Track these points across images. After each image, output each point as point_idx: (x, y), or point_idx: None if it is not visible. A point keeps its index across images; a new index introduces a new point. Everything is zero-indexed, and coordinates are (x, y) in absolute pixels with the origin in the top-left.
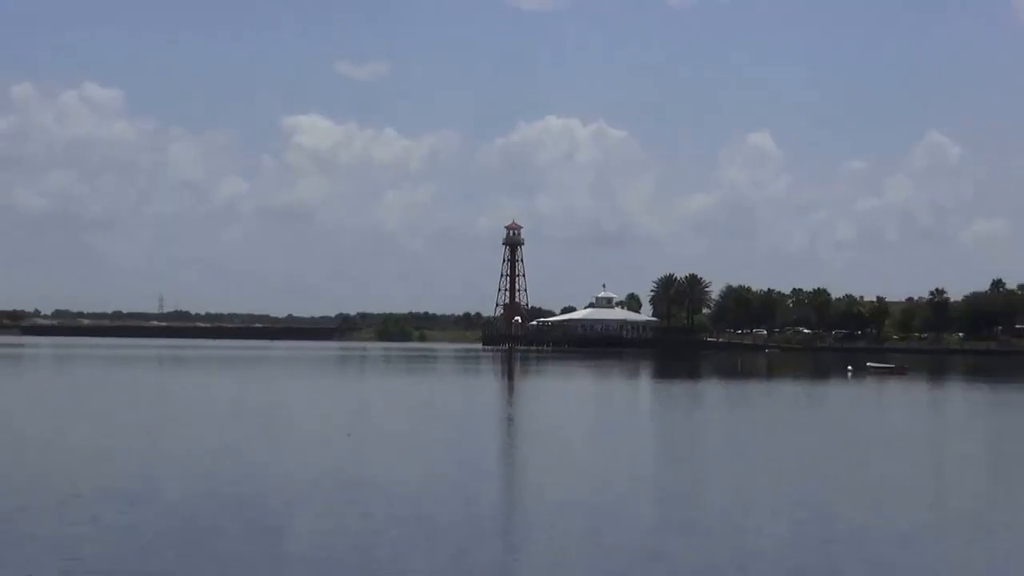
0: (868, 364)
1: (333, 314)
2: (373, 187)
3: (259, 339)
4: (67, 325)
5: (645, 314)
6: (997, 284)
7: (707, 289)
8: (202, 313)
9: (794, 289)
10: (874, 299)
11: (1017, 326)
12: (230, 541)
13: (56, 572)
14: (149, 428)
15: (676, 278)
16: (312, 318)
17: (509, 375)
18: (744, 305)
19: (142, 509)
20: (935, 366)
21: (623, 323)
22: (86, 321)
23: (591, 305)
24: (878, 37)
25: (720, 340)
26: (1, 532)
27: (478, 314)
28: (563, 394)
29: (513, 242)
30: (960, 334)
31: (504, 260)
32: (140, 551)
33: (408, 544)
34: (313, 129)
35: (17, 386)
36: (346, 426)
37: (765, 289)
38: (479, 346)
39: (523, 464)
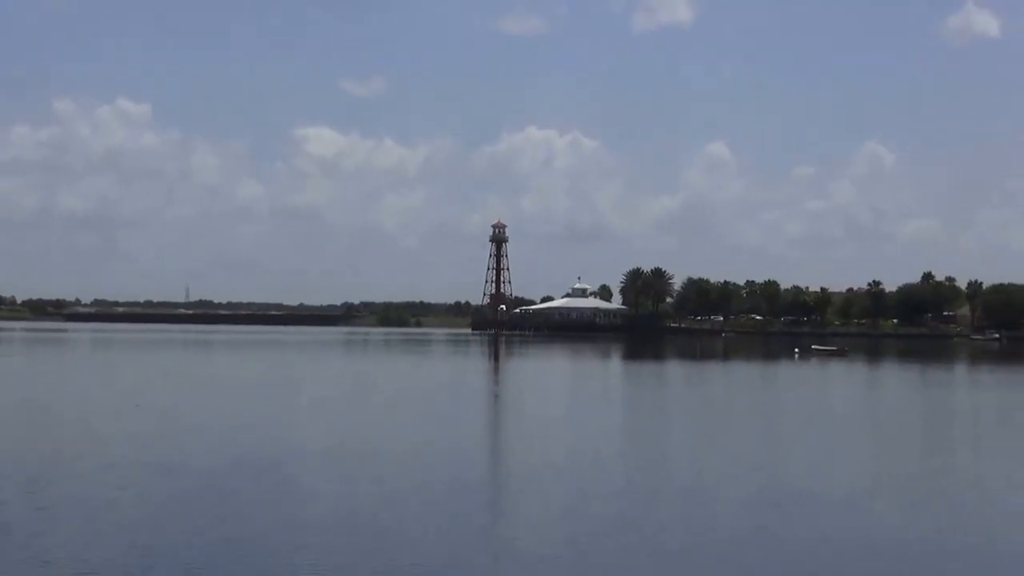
0: (813, 347)
1: (339, 303)
2: (373, 190)
3: (273, 325)
4: (104, 312)
5: (615, 303)
6: (927, 277)
7: (670, 281)
8: (223, 302)
9: (747, 281)
10: (818, 289)
11: (944, 313)
12: (251, 503)
13: (95, 532)
14: (181, 400)
15: (643, 271)
16: (320, 306)
17: (495, 357)
18: (703, 295)
19: (173, 475)
20: (872, 349)
21: (596, 311)
22: (120, 309)
23: (567, 295)
24: (821, 59)
25: (682, 326)
26: (46, 497)
27: (468, 303)
28: (543, 373)
29: (498, 239)
30: (894, 320)
31: (491, 255)
32: (170, 508)
33: (407, 503)
34: (320, 139)
35: (62, 364)
36: (349, 399)
37: (722, 281)
38: (468, 331)
39: (507, 434)
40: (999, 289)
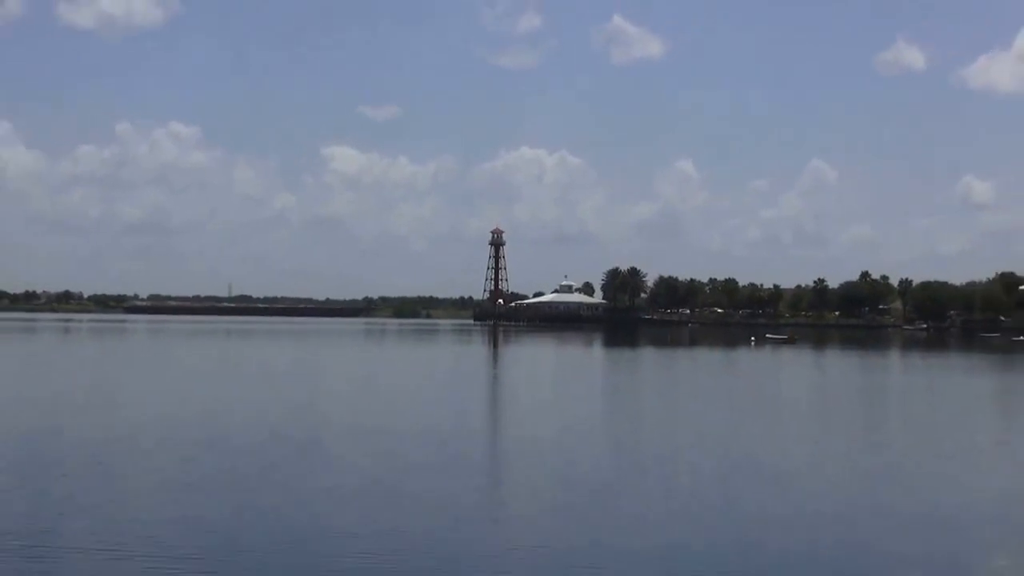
0: (767, 335)
1: (360, 297)
2: (389, 201)
3: (303, 316)
4: (158, 306)
5: (597, 298)
6: (864, 275)
7: (644, 279)
8: (260, 297)
9: (711, 279)
10: (771, 286)
11: (879, 307)
12: (287, 474)
13: (157, 499)
14: (228, 382)
15: (620, 270)
16: (343, 300)
17: (494, 344)
18: (673, 291)
19: (220, 448)
20: (817, 337)
21: (580, 305)
22: (172, 303)
23: (556, 291)
24: (773, 87)
25: (654, 318)
26: (112, 469)
27: (470, 297)
28: (535, 358)
29: (496, 242)
30: (836, 313)
31: (490, 256)
32: (215, 481)
33: (414, 472)
34: (344, 157)
35: (125, 350)
36: (374, 380)
37: (689, 279)
38: (471, 322)
39: (504, 411)
40: (926, 286)
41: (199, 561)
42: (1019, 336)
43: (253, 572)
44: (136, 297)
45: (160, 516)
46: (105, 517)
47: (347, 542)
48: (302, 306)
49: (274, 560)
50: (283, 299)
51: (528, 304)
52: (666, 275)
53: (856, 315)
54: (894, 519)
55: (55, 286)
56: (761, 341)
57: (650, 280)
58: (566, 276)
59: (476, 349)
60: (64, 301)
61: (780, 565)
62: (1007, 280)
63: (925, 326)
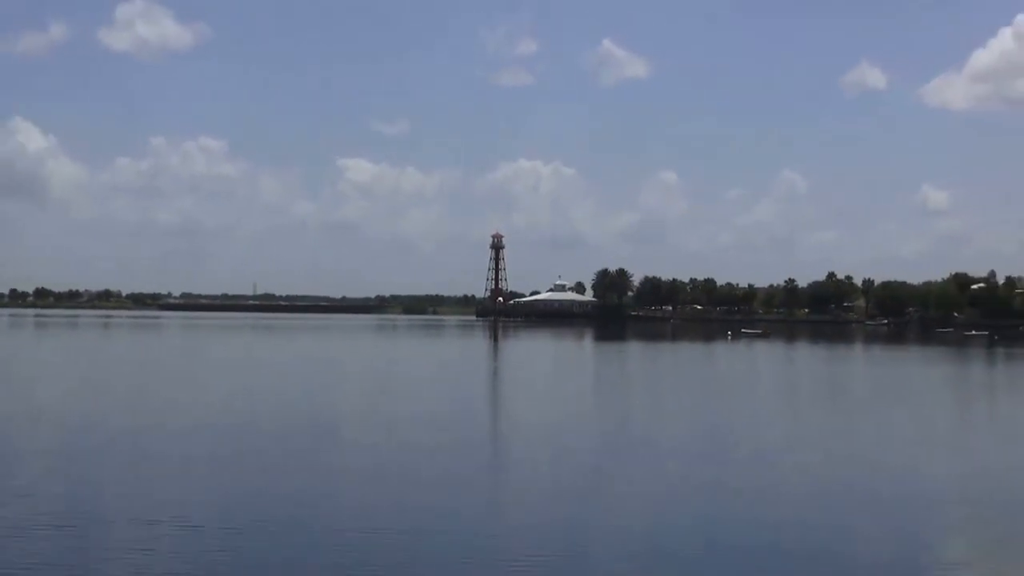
0: (742, 330)
1: (372, 296)
2: (399, 208)
3: (321, 313)
4: (190, 303)
5: (588, 296)
6: (831, 275)
7: (631, 279)
8: (282, 295)
9: (691, 279)
10: (746, 286)
11: (844, 304)
12: (305, 454)
13: (190, 473)
14: (251, 370)
15: (609, 271)
16: (358, 298)
17: (495, 338)
18: (656, 290)
19: (246, 432)
20: (788, 332)
21: (573, 302)
22: (203, 300)
23: (551, 290)
24: (748, 105)
25: (640, 314)
26: (147, 447)
27: (473, 295)
28: (532, 351)
29: (497, 246)
30: (806, 310)
31: (491, 258)
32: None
33: (423, 453)
34: (358, 168)
35: (161, 344)
36: (388, 371)
37: (671, 279)
38: (474, 318)
39: (503, 398)
40: (887, 286)
41: (230, 528)
42: (971, 331)
43: (276, 536)
44: (169, 295)
45: (193, 488)
46: (144, 488)
47: (364, 513)
48: (320, 304)
49: (295, 528)
50: (303, 297)
51: (525, 302)
52: (650, 275)
53: (823, 312)
54: (858, 496)
55: (96, 285)
56: (737, 335)
57: (636, 280)
58: (560, 276)
59: (478, 343)
60: (104, 299)
61: (752, 534)
62: (960, 280)
63: (886, 322)
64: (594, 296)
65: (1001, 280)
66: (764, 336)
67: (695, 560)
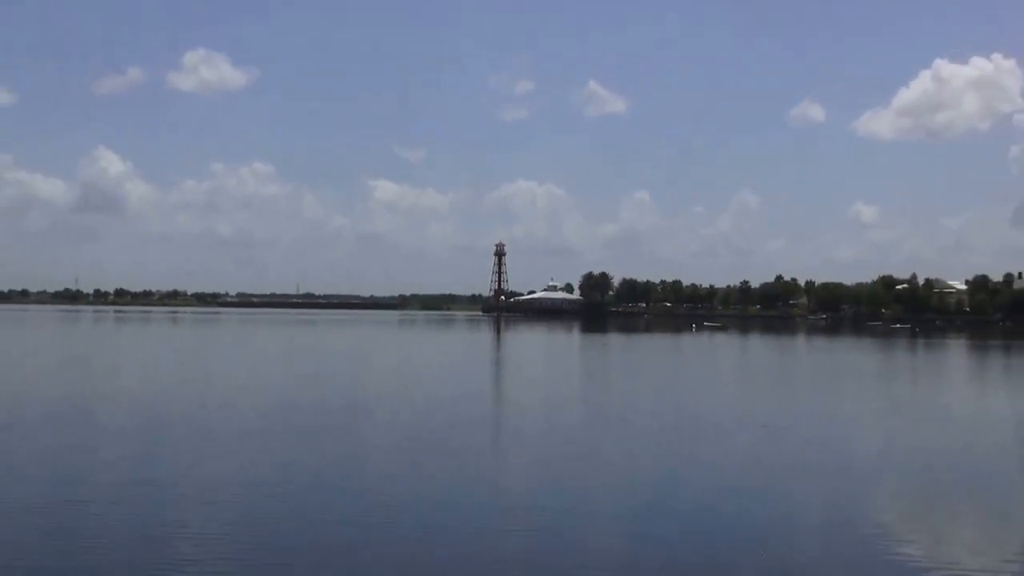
0: (704, 324)
1: (396, 295)
2: (419, 222)
3: (352, 309)
4: (244, 301)
5: (575, 295)
6: (778, 278)
7: (611, 280)
8: (321, 294)
9: (661, 280)
10: (708, 286)
11: (790, 302)
12: (333, 431)
13: (242, 452)
14: (293, 357)
15: (593, 274)
16: (384, 296)
17: (497, 331)
18: (633, 290)
19: (284, 415)
20: (743, 325)
21: (563, 300)
22: (255, 299)
23: (545, 289)
24: (709, 135)
25: (619, 310)
26: (205, 427)
27: (480, 295)
28: (528, 341)
29: (500, 253)
30: (757, 306)
31: (494, 264)
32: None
33: (432, 434)
34: (384, 188)
35: (222, 335)
36: (411, 356)
37: (645, 280)
38: (480, 314)
39: (504, 383)
40: (825, 286)
41: (283, 486)
42: (896, 325)
43: (305, 504)
44: (227, 294)
45: (239, 460)
46: (204, 461)
47: (384, 482)
48: (351, 301)
49: (325, 493)
50: (337, 296)
51: (523, 300)
52: (628, 277)
53: (772, 308)
54: (798, 466)
55: (165, 286)
56: (700, 328)
57: (616, 281)
58: (552, 278)
59: (484, 335)
60: (172, 298)
61: (702, 494)
62: (887, 281)
63: (824, 317)
64: (580, 295)
65: (921, 282)
66: (722, 329)
67: (658, 509)
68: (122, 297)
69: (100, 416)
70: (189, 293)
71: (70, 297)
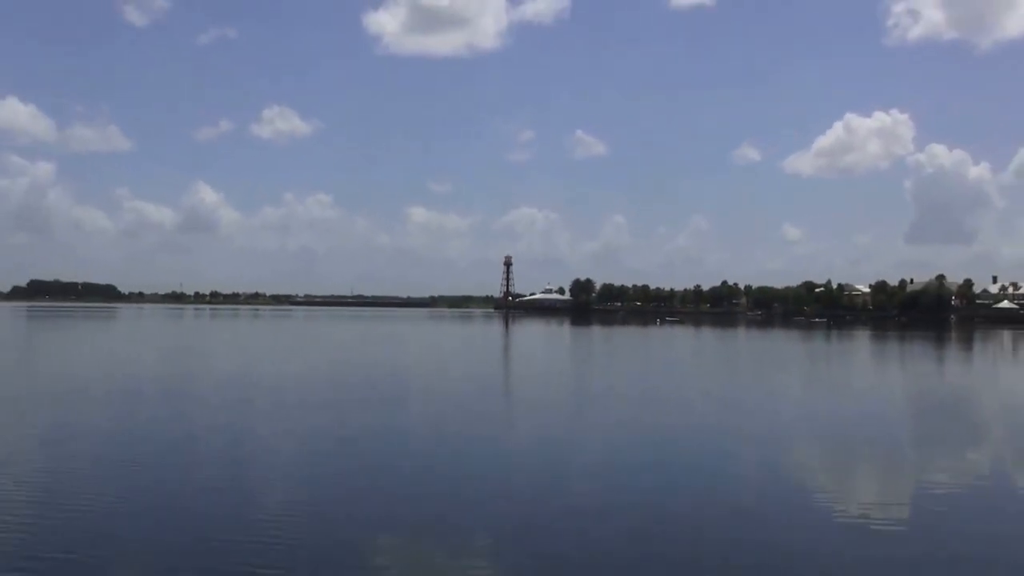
0: (666, 319)
1: (427, 296)
2: (444, 239)
3: (394, 308)
4: (309, 301)
5: (566, 296)
6: (724, 283)
7: (594, 285)
8: (369, 295)
9: (633, 285)
10: (669, 289)
11: (733, 301)
12: (362, 417)
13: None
14: (348, 344)
15: (580, 280)
16: (417, 297)
17: (506, 324)
18: (611, 292)
19: (326, 402)
20: (696, 320)
21: (556, 300)
22: (317, 299)
23: (542, 292)
24: (667, 173)
25: (600, 308)
26: (252, 415)
27: (492, 296)
28: (530, 331)
29: (508, 264)
30: (708, 305)
31: (504, 272)
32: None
33: (444, 415)
34: (418, 214)
35: (287, 329)
36: (439, 343)
37: (620, 284)
38: (493, 311)
39: (511, 371)
40: (761, 289)
41: (309, 465)
42: (815, 320)
43: (334, 478)
44: (296, 296)
45: (277, 429)
46: (242, 436)
47: (406, 458)
48: (392, 301)
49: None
50: (382, 297)
51: (526, 300)
52: (607, 283)
53: (719, 306)
54: (741, 428)
55: (248, 289)
56: (663, 322)
57: (598, 286)
58: (548, 283)
59: (496, 327)
60: (254, 298)
61: (658, 457)
62: (808, 286)
63: (760, 313)
64: (570, 296)
65: (835, 286)
66: (680, 323)
67: (624, 464)
68: (216, 298)
69: (187, 391)
70: (267, 295)
71: (175, 298)
